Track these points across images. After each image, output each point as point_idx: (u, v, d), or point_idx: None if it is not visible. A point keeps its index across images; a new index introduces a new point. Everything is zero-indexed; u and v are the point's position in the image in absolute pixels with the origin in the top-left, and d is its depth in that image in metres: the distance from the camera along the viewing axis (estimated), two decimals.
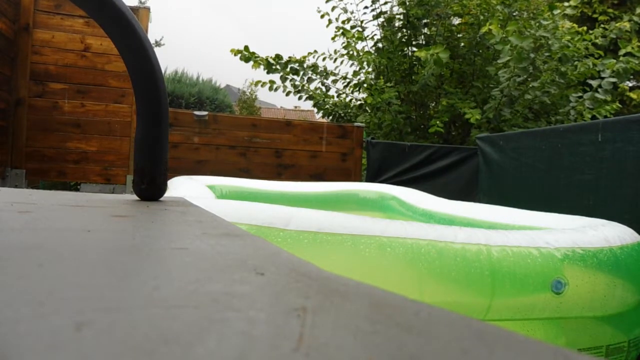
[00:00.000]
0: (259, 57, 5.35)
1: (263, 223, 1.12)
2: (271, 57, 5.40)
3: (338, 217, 1.21)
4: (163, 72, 0.72)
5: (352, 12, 5.65)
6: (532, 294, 1.21)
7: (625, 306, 1.33)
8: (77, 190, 4.84)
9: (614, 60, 4.43)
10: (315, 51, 5.64)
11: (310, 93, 5.71)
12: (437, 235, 1.22)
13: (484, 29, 4.58)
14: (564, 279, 1.22)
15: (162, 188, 0.71)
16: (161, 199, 0.72)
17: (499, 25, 4.45)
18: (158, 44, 13.11)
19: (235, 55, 5.32)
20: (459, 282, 1.18)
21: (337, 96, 5.98)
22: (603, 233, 1.36)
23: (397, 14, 5.63)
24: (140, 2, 10.54)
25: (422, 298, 1.15)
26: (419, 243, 1.18)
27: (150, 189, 0.69)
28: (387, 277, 1.15)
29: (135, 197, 0.70)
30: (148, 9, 4.19)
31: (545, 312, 1.22)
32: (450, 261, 1.18)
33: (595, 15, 7.07)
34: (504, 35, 4.31)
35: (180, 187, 1.99)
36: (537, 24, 4.53)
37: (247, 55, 5.31)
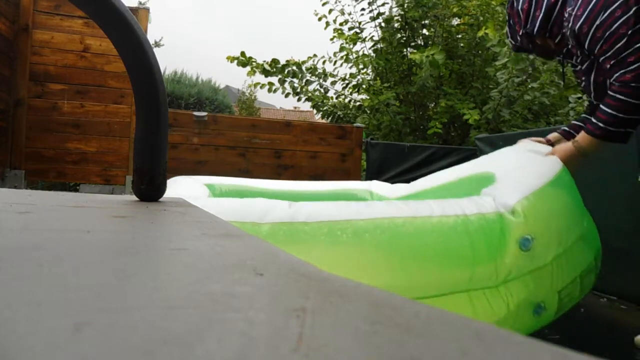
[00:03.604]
0: (255, 61, 5.34)
1: (240, 218, 1.12)
2: (267, 62, 5.39)
3: (312, 206, 1.22)
4: (162, 72, 0.72)
5: (349, 14, 5.65)
6: (506, 256, 1.23)
7: (573, 239, 1.38)
8: (77, 191, 4.84)
9: None
10: (315, 55, 5.64)
11: (309, 95, 5.71)
12: (413, 211, 1.23)
13: (480, 33, 4.58)
14: (529, 234, 1.26)
15: (162, 188, 0.70)
16: (160, 199, 0.72)
17: (497, 27, 4.45)
18: (157, 44, 13.10)
19: (231, 62, 5.32)
20: (441, 257, 1.20)
21: (336, 97, 5.97)
22: (539, 179, 1.41)
23: (395, 15, 5.63)
24: (140, 3, 10.53)
25: (408, 279, 1.18)
26: (395, 222, 1.19)
27: (150, 190, 0.69)
28: (367, 262, 1.16)
29: (134, 197, 0.70)
30: (147, 9, 4.19)
31: (522, 270, 1.25)
32: (429, 236, 1.20)
33: None
34: (500, 38, 4.31)
35: (175, 185, 1.99)
36: None
37: (243, 61, 5.31)
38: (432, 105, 5.75)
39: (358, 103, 5.90)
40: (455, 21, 5.57)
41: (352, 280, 0.27)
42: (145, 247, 0.35)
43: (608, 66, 1.45)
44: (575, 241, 1.37)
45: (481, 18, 5.09)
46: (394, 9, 5.68)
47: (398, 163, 4.31)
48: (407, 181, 4.12)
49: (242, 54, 5.33)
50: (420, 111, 5.76)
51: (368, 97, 5.42)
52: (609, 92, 1.46)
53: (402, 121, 5.34)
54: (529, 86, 4.67)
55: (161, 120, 0.69)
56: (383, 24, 5.64)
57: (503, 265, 1.23)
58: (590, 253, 1.42)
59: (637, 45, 1.38)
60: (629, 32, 1.38)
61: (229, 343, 0.16)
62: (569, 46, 1.65)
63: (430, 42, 5.47)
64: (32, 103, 3.82)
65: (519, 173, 1.47)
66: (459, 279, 1.20)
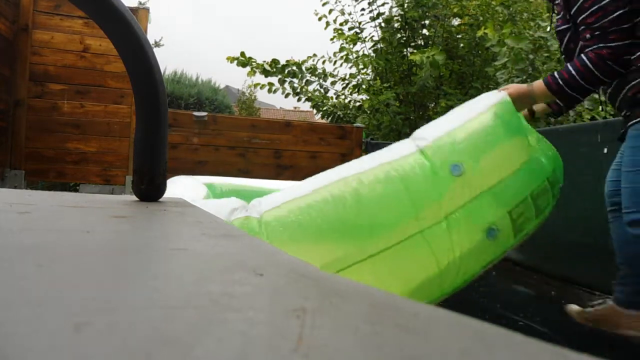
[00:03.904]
0: (255, 62, 5.35)
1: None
2: (267, 63, 5.39)
3: (264, 198, 1.29)
4: (162, 72, 0.72)
5: (349, 14, 5.65)
6: (442, 187, 1.29)
7: (518, 163, 1.43)
8: (77, 191, 4.83)
9: None
10: (315, 55, 5.64)
11: (309, 95, 5.71)
12: (343, 174, 1.30)
13: (479, 33, 4.58)
14: (458, 161, 1.31)
15: (162, 189, 0.70)
16: (160, 199, 0.72)
17: (496, 27, 4.45)
18: (157, 44, 13.09)
19: (231, 62, 5.32)
20: (384, 207, 1.25)
21: (336, 97, 5.97)
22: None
23: (395, 15, 5.63)
24: (140, 3, 10.53)
25: (363, 238, 1.22)
26: (332, 189, 1.25)
27: (150, 190, 0.69)
28: (320, 235, 1.19)
29: (134, 197, 0.70)
30: (147, 9, 4.19)
31: (462, 197, 1.30)
32: (368, 192, 1.25)
33: None
34: (499, 38, 4.31)
35: (174, 185, 2.00)
36: (536, 26, 4.53)
37: (243, 61, 5.31)
38: (432, 105, 5.74)
39: (358, 103, 5.90)
40: (456, 21, 5.57)
41: (352, 280, 0.27)
42: (145, 247, 0.35)
43: (588, 36, 1.48)
44: (521, 165, 1.42)
45: (481, 18, 5.09)
46: (394, 9, 5.68)
47: None
48: None
49: (242, 54, 5.33)
50: (420, 111, 5.76)
51: (368, 97, 5.42)
52: (581, 55, 1.49)
53: (402, 121, 5.34)
54: None
55: (161, 120, 0.69)
56: (383, 24, 5.64)
57: (442, 197, 1.28)
58: (540, 175, 1.46)
59: (623, 26, 1.41)
60: (618, 12, 1.41)
61: (229, 343, 0.16)
62: (557, 2, 1.67)
63: (430, 42, 5.46)
64: (32, 103, 3.82)
65: (455, 110, 1.54)
66: (406, 222, 1.24)
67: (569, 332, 1.81)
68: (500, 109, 1.48)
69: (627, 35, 1.42)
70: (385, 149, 1.40)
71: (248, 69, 5.37)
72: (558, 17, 1.68)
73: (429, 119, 5.27)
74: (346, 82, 5.83)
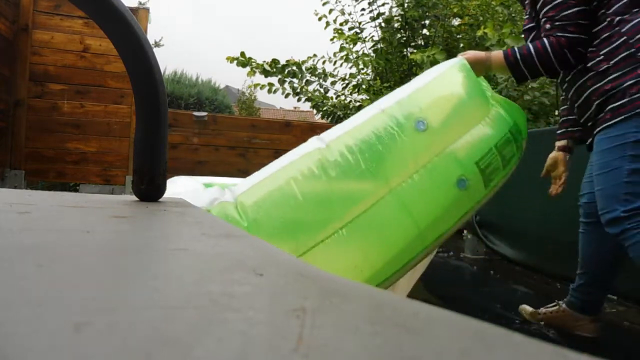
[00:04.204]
0: (255, 62, 5.34)
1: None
2: (267, 63, 5.39)
3: (236, 186, 1.32)
4: (162, 72, 0.72)
5: (349, 14, 5.65)
6: (407, 138, 1.33)
7: (479, 118, 1.50)
8: (77, 191, 4.83)
9: None
10: (315, 55, 5.63)
11: (309, 95, 5.70)
12: (303, 150, 1.32)
13: (479, 33, 4.58)
14: (422, 118, 1.36)
15: (162, 188, 0.70)
16: (160, 199, 0.72)
17: (496, 27, 4.45)
18: (157, 44, 13.10)
19: (231, 62, 5.31)
20: (351, 174, 1.27)
21: (336, 97, 5.97)
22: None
23: (395, 15, 5.63)
24: (140, 3, 10.53)
25: (335, 211, 1.24)
26: (298, 166, 1.27)
27: (150, 190, 0.69)
28: (292, 218, 1.21)
29: (134, 197, 0.70)
30: (147, 9, 4.19)
31: (429, 151, 1.34)
32: (334, 161, 1.27)
33: None
34: (499, 37, 4.31)
35: (174, 185, 2.01)
36: None
37: (243, 61, 5.31)
38: None
39: (358, 103, 5.90)
40: (456, 21, 5.57)
41: (352, 280, 0.27)
42: (145, 247, 0.35)
43: (548, 26, 1.53)
44: (482, 118, 1.49)
45: (481, 18, 5.09)
46: (394, 9, 5.68)
47: None
48: None
49: (242, 54, 5.33)
50: None
51: (368, 97, 5.41)
52: (543, 38, 1.53)
53: None
54: (529, 86, 4.66)
55: (161, 120, 0.68)
56: (383, 24, 5.64)
57: (409, 154, 1.31)
58: (502, 127, 1.52)
59: (582, 22, 1.47)
60: (578, 7, 1.47)
61: (229, 343, 0.16)
62: (526, 2, 1.72)
63: (430, 42, 5.46)
64: (32, 103, 3.82)
65: (414, 79, 1.61)
66: (376, 184, 1.27)
67: (569, 332, 1.81)
68: (457, 69, 1.55)
69: (585, 31, 1.48)
70: (349, 119, 1.45)
71: (248, 69, 5.36)
72: (525, 16, 1.73)
73: None
74: (346, 82, 5.82)
